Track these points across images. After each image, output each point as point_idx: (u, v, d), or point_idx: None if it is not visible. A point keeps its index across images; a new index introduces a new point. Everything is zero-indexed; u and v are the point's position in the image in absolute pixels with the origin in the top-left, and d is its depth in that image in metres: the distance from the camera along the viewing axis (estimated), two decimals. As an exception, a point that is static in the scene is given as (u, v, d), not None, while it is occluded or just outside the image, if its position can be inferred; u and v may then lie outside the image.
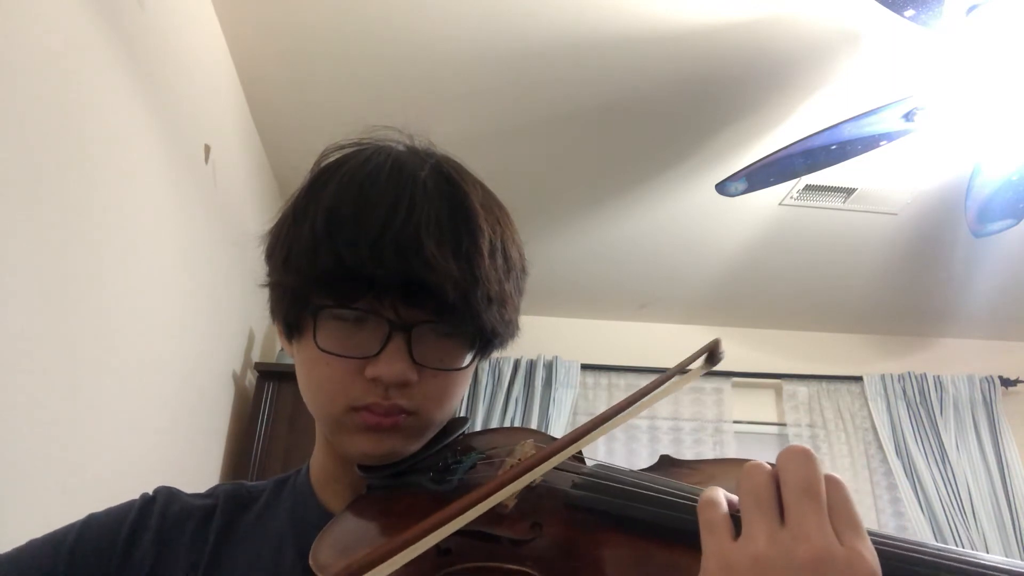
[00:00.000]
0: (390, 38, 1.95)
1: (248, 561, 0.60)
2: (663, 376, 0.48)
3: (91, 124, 1.32)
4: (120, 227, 1.45)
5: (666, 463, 0.54)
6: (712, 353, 0.49)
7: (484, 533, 0.47)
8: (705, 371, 0.50)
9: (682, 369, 0.49)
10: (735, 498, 0.40)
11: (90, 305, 1.35)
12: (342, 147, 0.64)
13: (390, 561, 0.37)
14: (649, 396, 0.47)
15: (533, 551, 0.46)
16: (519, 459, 0.57)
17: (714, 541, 0.38)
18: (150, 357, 1.63)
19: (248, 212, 2.26)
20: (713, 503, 0.40)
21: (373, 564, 0.36)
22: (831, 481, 0.39)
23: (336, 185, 0.59)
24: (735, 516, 0.39)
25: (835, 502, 0.38)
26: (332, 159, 0.63)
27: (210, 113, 1.94)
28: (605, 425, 0.45)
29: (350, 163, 0.61)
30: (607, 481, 0.49)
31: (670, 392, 0.48)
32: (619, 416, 0.46)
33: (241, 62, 2.05)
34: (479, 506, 0.40)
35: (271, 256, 0.62)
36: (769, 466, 0.40)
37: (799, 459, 0.39)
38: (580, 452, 0.56)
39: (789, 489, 0.38)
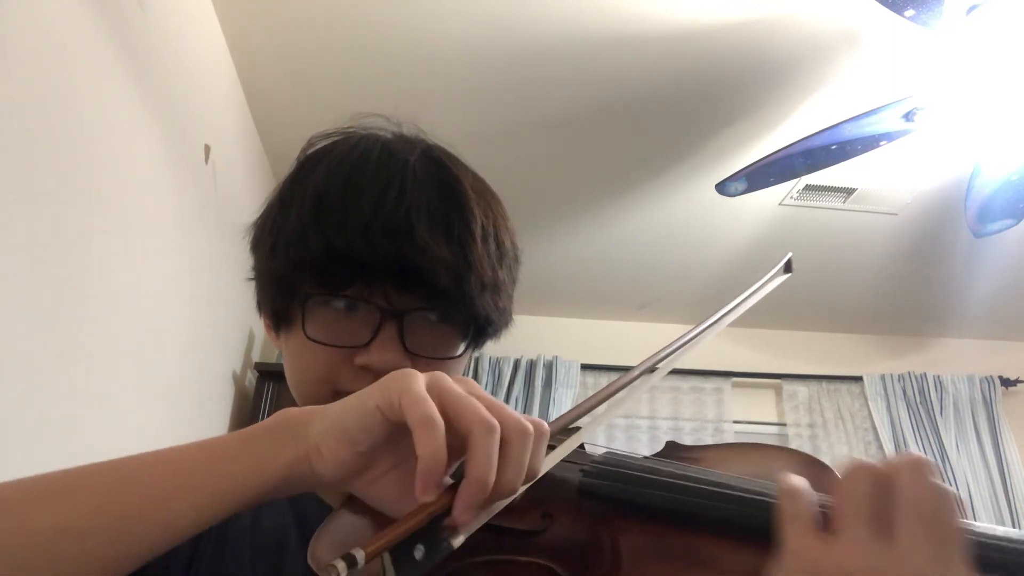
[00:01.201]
0: (390, 38, 1.95)
1: (251, 555, 0.60)
2: (745, 296, 0.49)
3: (91, 124, 1.32)
4: (120, 227, 1.45)
5: (673, 449, 0.54)
6: (788, 264, 0.52)
7: (492, 525, 0.45)
8: (781, 280, 0.52)
9: (762, 285, 0.50)
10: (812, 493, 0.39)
11: (90, 305, 1.34)
12: (328, 135, 0.63)
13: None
14: (728, 311, 0.48)
15: (545, 542, 0.45)
16: None
17: (799, 537, 0.36)
18: (150, 357, 1.63)
19: (248, 212, 2.25)
20: (799, 493, 0.38)
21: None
22: (945, 501, 0.36)
23: (324, 171, 0.58)
24: (822, 508, 0.37)
25: (946, 531, 0.35)
26: (319, 146, 0.62)
27: (210, 113, 1.94)
28: (684, 346, 0.45)
29: (338, 149, 0.60)
30: (618, 468, 0.48)
31: (746, 306, 0.51)
32: (696, 335, 0.47)
33: (241, 62, 2.05)
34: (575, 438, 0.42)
35: (257, 245, 0.61)
36: (877, 466, 0.37)
37: (925, 479, 0.36)
38: (583, 446, 0.55)
39: (906, 508, 0.35)
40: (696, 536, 0.42)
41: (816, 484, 0.43)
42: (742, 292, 0.52)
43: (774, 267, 0.53)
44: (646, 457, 0.51)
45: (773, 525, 0.39)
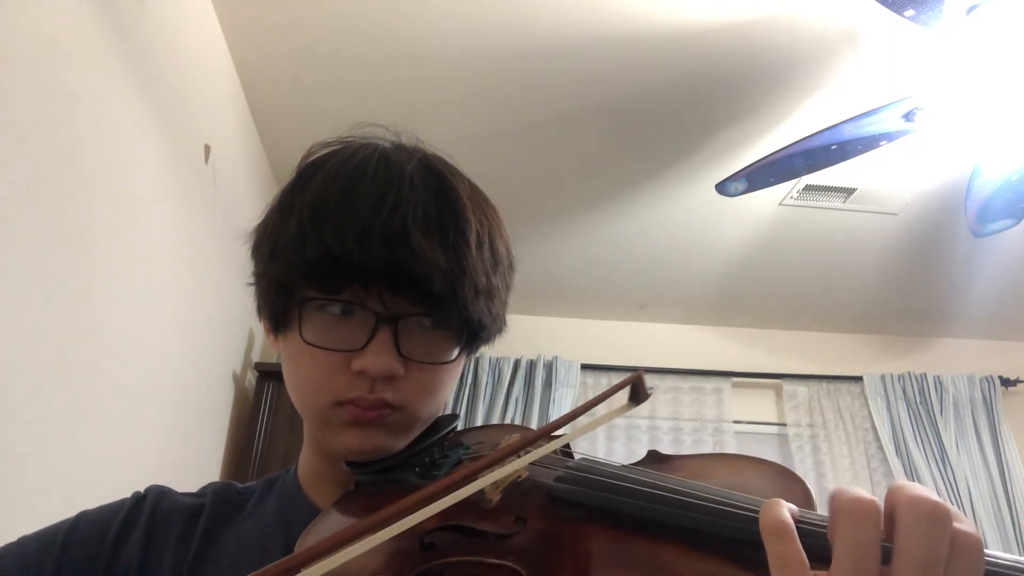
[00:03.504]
0: (391, 39, 1.95)
1: (234, 559, 0.60)
2: (576, 411, 0.47)
3: (91, 124, 1.32)
4: (120, 227, 1.45)
5: (654, 458, 0.54)
6: (635, 388, 0.48)
7: (468, 527, 0.47)
8: (629, 410, 0.49)
9: (599, 402, 0.48)
10: (795, 508, 0.37)
11: (90, 305, 1.34)
12: (328, 144, 0.64)
13: (360, 542, 0.37)
14: (555, 439, 0.47)
15: (516, 545, 0.46)
16: None
17: None
18: (150, 357, 1.63)
19: (248, 212, 2.26)
20: (784, 532, 0.34)
21: (341, 544, 0.36)
22: (965, 548, 0.32)
23: (322, 179, 0.59)
24: (806, 531, 0.35)
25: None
26: (318, 155, 0.63)
27: (210, 113, 1.94)
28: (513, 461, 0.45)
29: (336, 158, 0.61)
30: (589, 474, 0.49)
31: (587, 431, 0.48)
32: (524, 455, 0.46)
33: (241, 62, 2.05)
34: (445, 499, 0.40)
35: (257, 250, 0.62)
36: (879, 507, 0.34)
37: (928, 525, 0.32)
38: (568, 446, 0.56)
39: (904, 562, 0.32)
40: (661, 543, 0.42)
41: (788, 497, 0.42)
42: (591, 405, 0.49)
43: (618, 386, 0.49)
44: (622, 465, 0.52)
45: (738, 535, 0.39)
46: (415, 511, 0.39)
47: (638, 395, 0.48)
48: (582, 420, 0.47)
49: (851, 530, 0.33)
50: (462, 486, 0.41)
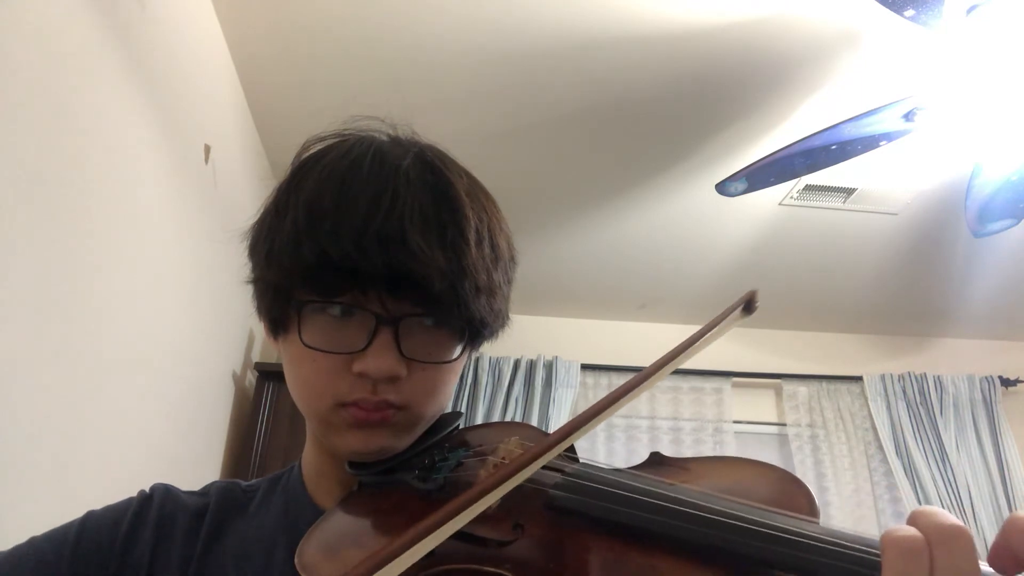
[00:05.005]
0: (391, 40, 1.95)
1: (238, 559, 0.60)
2: (703, 329, 0.48)
3: (91, 124, 1.32)
4: (120, 227, 1.45)
5: (655, 460, 0.54)
6: (748, 303, 0.51)
7: (466, 534, 0.46)
8: (741, 320, 0.51)
9: (721, 319, 0.49)
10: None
11: (90, 306, 1.35)
12: (323, 139, 0.62)
13: (381, 572, 0.36)
14: (690, 348, 0.47)
15: (513, 552, 0.45)
16: (502, 457, 0.56)
17: None
18: (150, 357, 1.63)
19: (248, 212, 2.25)
20: (919, 552, 0.33)
21: None
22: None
23: (317, 177, 0.57)
24: None
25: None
26: (313, 151, 0.62)
27: (210, 113, 1.94)
28: (633, 392, 0.45)
29: (331, 154, 0.59)
30: (587, 482, 0.48)
31: (708, 343, 0.50)
32: (649, 380, 0.45)
33: (241, 62, 2.05)
34: (461, 516, 0.40)
35: (254, 251, 0.61)
36: (921, 537, 0.34)
37: (963, 550, 0.33)
38: (573, 449, 0.55)
39: None
40: (659, 554, 0.42)
41: (791, 504, 0.43)
42: (701, 329, 0.52)
43: (734, 303, 0.52)
44: (621, 470, 0.51)
45: (737, 548, 0.39)
46: (436, 530, 0.38)
47: (751, 307, 0.52)
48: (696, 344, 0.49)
49: (898, 568, 0.33)
50: (486, 495, 0.41)
